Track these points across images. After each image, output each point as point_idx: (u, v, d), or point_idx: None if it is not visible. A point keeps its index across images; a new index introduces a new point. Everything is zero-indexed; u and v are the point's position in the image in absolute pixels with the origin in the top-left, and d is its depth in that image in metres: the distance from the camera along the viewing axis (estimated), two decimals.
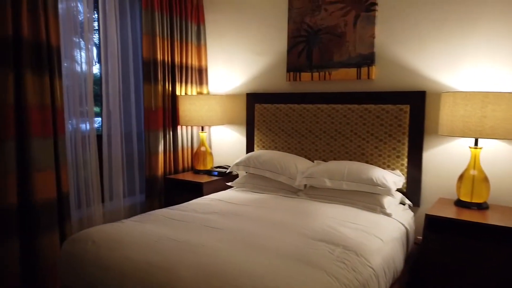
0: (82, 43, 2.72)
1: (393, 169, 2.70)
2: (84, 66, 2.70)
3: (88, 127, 2.74)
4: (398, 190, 2.62)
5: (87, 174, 2.76)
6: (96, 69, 2.92)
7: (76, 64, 2.68)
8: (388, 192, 2.38)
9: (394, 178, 2.50)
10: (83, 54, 2.71)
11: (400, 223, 2.31)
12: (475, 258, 2.05)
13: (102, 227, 1.97)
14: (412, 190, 2.65)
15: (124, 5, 3.00)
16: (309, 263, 1.59)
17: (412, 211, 2.63)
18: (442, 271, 2.14)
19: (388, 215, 2.35)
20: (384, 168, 2.69)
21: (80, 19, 2.71)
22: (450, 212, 2.20)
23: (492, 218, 2.10)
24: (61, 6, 2.46)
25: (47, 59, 2.29)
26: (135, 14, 3.12)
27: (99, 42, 2.86)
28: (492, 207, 2.31)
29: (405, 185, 2.67)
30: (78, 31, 2.68)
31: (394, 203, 2.48)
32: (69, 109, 2.61)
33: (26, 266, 2.24)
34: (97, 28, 2.90)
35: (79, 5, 2.68)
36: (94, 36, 2.80)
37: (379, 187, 2.39)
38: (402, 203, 2.63)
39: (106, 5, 2.83)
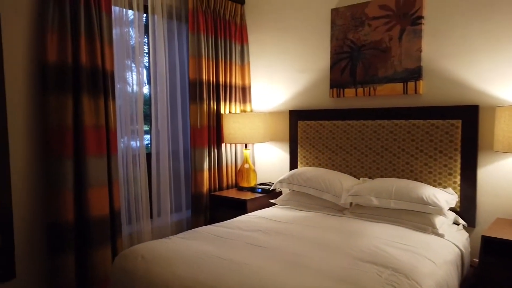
0: (133, 65, 2.88)
1: (444, 187, 2.57)
2: (135, 88, 2.85)
3: (138, 145, 2.87)
4: (451, 209, 2.49)
5: (137, 191, 2.87)
6: (145, 90, 3.06)
7: (128, 86, 2.84)
8: (439, 211, 2.27)
9: (446, 197, 2.38)
10: (134, 76, 2.86)
11: (454, 244, 2.19)
12: None
13: (150, 243, 2.04)
14: (466, 210, 2.51)
15: (172, 30, 3.15)
16: (356, 285, 1.54)
17: (467, 231, 2.48)
18: None
19: (441, 235, 2.23)
20: (434, 186, 2.57)
21: (132, 43, 2.87)
22: (509, 233, 2.05)
23: None
24: (114, 32, 2.62)
25: (102, 82, 2.45)
26: (182, 38, 3.26)
27: (149, 64, 3.00)
28: None
29: (458, 204, 2.53)
30: (130, 55, 2.84)
31: (446, 223, 2.35)
32: (121, 129, 2.75)
33: (80, 279, 2.35)
34: (147, 51, 3.05)
35: (131, 30, 2.85)
36: (144, 59, 2.95)
37: (430, 206, 2.28)
38: (456, 223, 2.49)
39: (156, 30, 2.98)
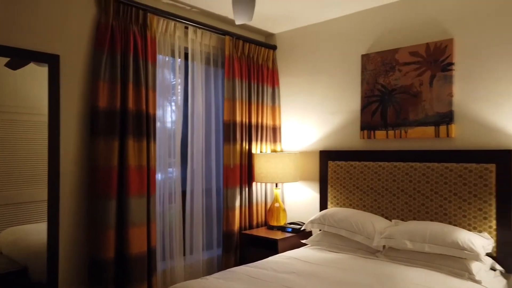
0: (173, 108, 3.05)
1: (479, 232, 2.54)
2: (173, 128, 3.01)
3: (175, 183, 2.99)
4: (487, 254, 2.45)
5: (171, 228, 2.96)
6: (183, 130, 3.21)
7: (167, 127, 3.00)
8: (476, 257, 2.24)
9: (483, 242, 2.36)
10: (173, 117, 3.03)
11: None
12: None
13: (189, 282, 2.10)
14: (504, 255, 2.46)
15: (209, 74, 3.34)
16: None
17: (505, 278, 2.42)
18: None
19: (478, 282, 2.20)
20: (469, 230, 2.55)
21: (172, 87, 3.06)
22: None
23: None
24: (157, 77, 2.81)
25: (146, 125, 2.61)
26: (218, 82, 3.44)
27: (187, 106, 3.17)
28: None
29: (494, 249, 2.49)
30: (170, 98, 3.02)
31: (483, 269, 2.32)
32: (160, 168, 2.89)
33: None
34: (185, 94, 3.23)
35: (172, 75, 3.05)
36: (183, 101, 3.12)
37: (465, 251, 2.27)
38: (493, 269, 2.44)
39: (194, 75, 3.17)
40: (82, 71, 2.47)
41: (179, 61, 3.03)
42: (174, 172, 3.00)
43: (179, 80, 3.05)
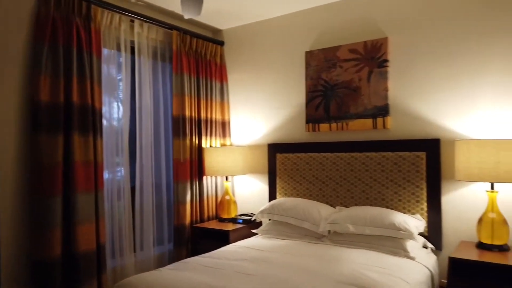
0: (120, 103, 2.99)
1: (413, 214, 2.80)
2: (120, 124, 2.96)
3: (123, 179, 2.94)
4: (420, 234, 2.71)
5: (121, 225, 2.92)
6: (130, 126, 3.17)
7: (114, 123, 2.94)
8: (410, 236, 2.47)
9: (415, 223, 2.60)
10: (120, 113, 2.97)
11: (425, 266, 2.39)
12: None
13: (143, 275, 2.10)
14: (434, 234, 2.74)
15: (156, 69, 3.32)
16: None
17: (435, 254, 2.69)
18: None
19: (412, 258, 2.43)
20: (404, 213, 2.79)
21: (119, 82, 3.00)
22: (473, 255, 2.27)
23: None
24: (103, 72, 2.75)
25: (92, 120, 2.55)
26: (166, 77, 3.43)
27: (135, 101, 3.13)
28: None
29: (426, 229, 2.76)
30: (117, 93, 2.96)
31: (417, 246, 2.56)
32: (107, 163, 2.83)
33: None
34: (132, 89, 3.18)
35: (117, 70, 2.98)
36: (129, 96, 3.07)
37: (401, 232, 2.49)
38: (425, 246, 2.70)
39: (142, 70, 3.13)
40: (21, 64, 2.35)
41: (125, 55, 2.98)
42: (122, 167, 2.96)
43: (125, 74, 3.00)
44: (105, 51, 2.81)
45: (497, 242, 2.36)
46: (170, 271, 2.17)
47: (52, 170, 2.32)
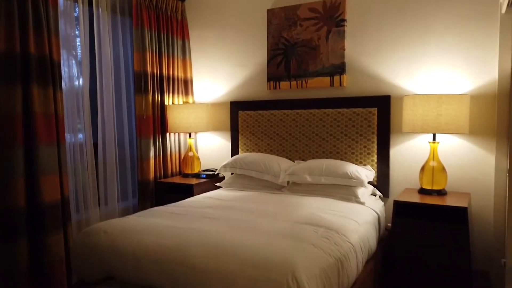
0: (79, 58, 2.93)
1: (364, 165, 3.03)
2: (80, 80, 2.92)
3: (85, 135, 2.94)
4: (370, 183, 2.96)
5: (84, 180, 2.94)
6: (90, 82, 3.12)
7: (74, 79, 2.89)
8: (361, 184, 2.71)
9: (366, 172, 2.83)
10: (79, 69, 2.92)
11: (373, 210, 2.64)
12: (435, 234, 2.40)
13: (111, 221, 2.18)
14: (382, 183, 3.00)
15: (116, 24, 3.24)
16: (298, 239, 1.87)
17: (382, 201, 2.97)
18: (408, 245, 2.48)
19: (362, 203, 2.67)
20: (357, 164, 3.02)
21: (77, 37, 2.93)
22: (414, 198, 2.55)
23: (449, 201, 2.45)
24: (60, 25, 2.67)
25: (51, 72, 2.50)
26: (126, 32, 3.36)
27: (94, 57, 3.07)
28: (449, 193, 2.68)
29: (375, 179, 3.02)
30: (75, 48, 2.89)
31: (366, 193, 2.81)
32: (68, 120, 2.81)
33: (34, 264, 2.40)
34: (91, 44, 3.11)
35: (76, 25, 2.90)
36: (88, 51, 3.00)
37: (353, 180, 2.72)
38: (374, 194, 2.96)
39: (101, 25, 3.06)
40: None
41: (82, 7, 2.88)
42: (84, 123, 2.94)
43: (83, 29, 2.92)
44: (61, 2, 2.72)
45: (436, 187, 2.64)
46: (138, 218, 2.27)
47: (11, 121, 2.29)
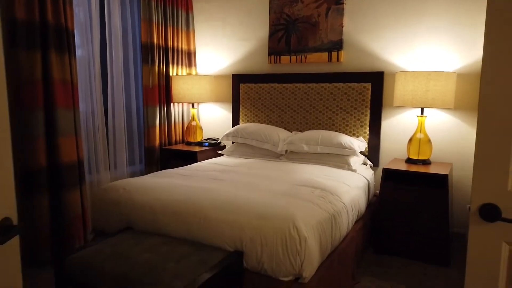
0: (91, 28, 3.06)
1: (357, 136, 3.27)
2: (91, 50, 3.06)
3: (96, 103, 3.11)
4: (361, 153, 3.20)
5: (96, 144, 3.14)
6: (101, 52, 3.27)
7: (86, 48, 3.03)
8: (354, 153, 2.95)
9: (359, 143, 3.07)
10: (91, 39, 3.06)
11: (363, 177, 2.90)
12: (419, 197, 2.67)
13: (128, 179, 2.40)
14: (373, 153, 3.25)
15: None
16: (297, 197, 2.11)
17: (372, 170, 3.22)
18: (394, 207, 2.75)
19: (354, 171, 2.92)
20: (350, 136, 3.26)
21: (88, 8, 3.05)
22: (401, 167, 2.80)
23: (432, 170, 2.71)
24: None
25: (66, 40, 2.65)
26: (133, 3, 3.48)
27: (105, 28, 3.20)
28: (433, 163, 2.94)
29: (367, 149, 3.26)
30: (87, 19, 3.02)
31: (358, 162, 3.06)
32: (81, 87, 2.97)
33: (54, 218, 2.63)
34: (101, 14, 3.23)
35: None
36: (99, 23, 3.13)
37: (346, 149, 2.95)
38: (364, 163, 3.21)
39: None
40: None
41: None
42: (95, 91, 3.11)
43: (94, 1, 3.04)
44: None
45: (422, 157, 2.89)
46: (151, 178, 2.49)
47: (33, 86, 2.46)
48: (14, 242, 1.09)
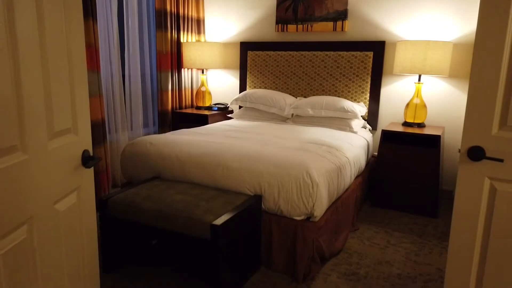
0: None
1: (358, 102, 3.52)
2: (110, 17, 3.22)
3: (114, 67, 3.30)
4: (362, 117, 3.46)
5: (115, 107, 3.35)
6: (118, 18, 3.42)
7: (105, 16, 3.19)
8: (355, 116, 3.21)
9: (360, 108, 3.32)
10: (109, 5, 3.21)
11: (363, 138, 3.17)
12: (412, 156, 2.95)
13: (152, 135, 2.64)
14: (372, 118, 3.51)
15: None
16: (307, 151, 2.38)
17: (371, 133, 3.49)
18: (390, 165, 3.04)
19: (355, 132, 3.19)
20: (352, 101, 3.50)
21: None
22: (398, 129, 3.07)
23: (426, 132, 2.98)
24: None
25: (90, 6, 2.82)
26: None
27: None
28: (427, 126, 3.21)
29: (367, 114, 3.52)
30: None
31: (359, 125, 3.32)
32: (101, 52, 3.15)
33: None
34: None
35: None
36: None
37: (348, 113, 3.21)
38: (364, 127, 3.48)
39: None
40: None
41: None
42: (114, 56, 3.29)
43: None
44: None
45: (417, 121, 3.16)
46: (171, 135, 2.73)
47: None
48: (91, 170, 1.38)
